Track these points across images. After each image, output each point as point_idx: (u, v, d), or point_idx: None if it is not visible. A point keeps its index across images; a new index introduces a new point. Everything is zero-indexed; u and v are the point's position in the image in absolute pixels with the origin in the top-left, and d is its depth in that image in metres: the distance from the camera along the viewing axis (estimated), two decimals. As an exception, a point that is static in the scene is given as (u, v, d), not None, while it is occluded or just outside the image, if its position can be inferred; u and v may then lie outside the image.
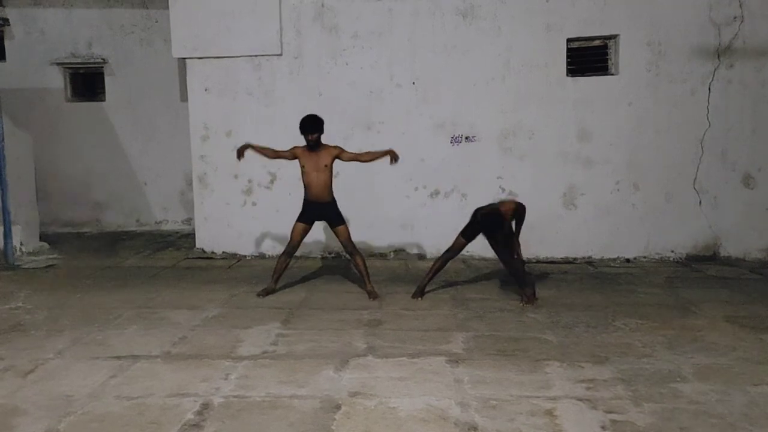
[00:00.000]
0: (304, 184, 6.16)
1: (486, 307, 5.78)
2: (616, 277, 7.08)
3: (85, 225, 10.79)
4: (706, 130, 7.81)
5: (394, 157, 5.96)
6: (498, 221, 5.93)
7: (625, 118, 7.90)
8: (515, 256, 6.01)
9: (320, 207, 6.14)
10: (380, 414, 3.53)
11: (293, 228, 6.22)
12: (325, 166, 6.04)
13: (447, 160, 8.12)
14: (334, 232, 6.24)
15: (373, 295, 6.11)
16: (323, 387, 3.92)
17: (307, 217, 6.22)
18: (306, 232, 6.25)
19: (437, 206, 8.15)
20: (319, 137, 6.05)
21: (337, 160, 6.10)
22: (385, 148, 6.21)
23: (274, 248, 8.34)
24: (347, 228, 6.17)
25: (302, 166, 6.11)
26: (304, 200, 6.22)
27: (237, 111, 8.31)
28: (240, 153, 6.14)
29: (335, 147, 6.12)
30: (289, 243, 6.26)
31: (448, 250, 6.17)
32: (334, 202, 6.18)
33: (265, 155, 6.28)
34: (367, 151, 6.30)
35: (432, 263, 6.31)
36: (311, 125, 6.00)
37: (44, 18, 10.51)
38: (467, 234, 6.10)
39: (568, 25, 7.88)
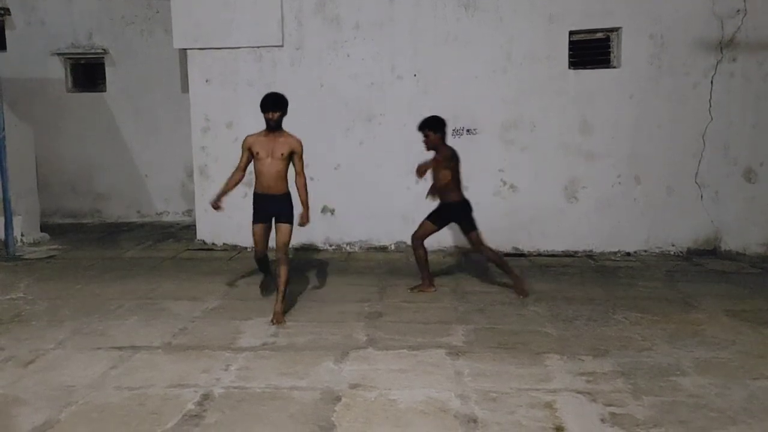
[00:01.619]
0: (255, 173, 5.40)
1: (486, 300, 5.79)
2: (617, 270, 7.08)
3: (85, 216, 10.80)
4: (708, 124, 7.79)
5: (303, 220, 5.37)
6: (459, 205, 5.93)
7: (626, 111, 7.88)
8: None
9: (272, 200, 5.31)
10: (380, 406, 3.54)
11: (252, 232, 5.49)
12: (282, 154, 5.25)
13: (448, 153, 8.09)
14: (276, 228, 5.35)
15: (277, 317, 5.14)
16: (323, 379, 3.93)
17: (260, 216, 5.40)
18: (266, 231, 5.42)
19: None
20: (281, 118, 5.31)
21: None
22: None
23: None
24: (291, 230, 5.33)
25: (255, 153, 5.32)
26: (254, 194, 5.46)
27: (238, 102, 8.29)
28: (216, 206, 5.52)
29: (298, 141, 5.32)
30: (255, 250, 5.59)
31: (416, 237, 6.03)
32: (288, 195, 5.35)
33: (238, 181, 5.53)
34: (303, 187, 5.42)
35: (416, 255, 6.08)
36: (273, 103, 5.28)
37: (45, 8, 10.48)
38: (434, 219, 6.00)
39: (571, 17, 7.84)
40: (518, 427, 3.28)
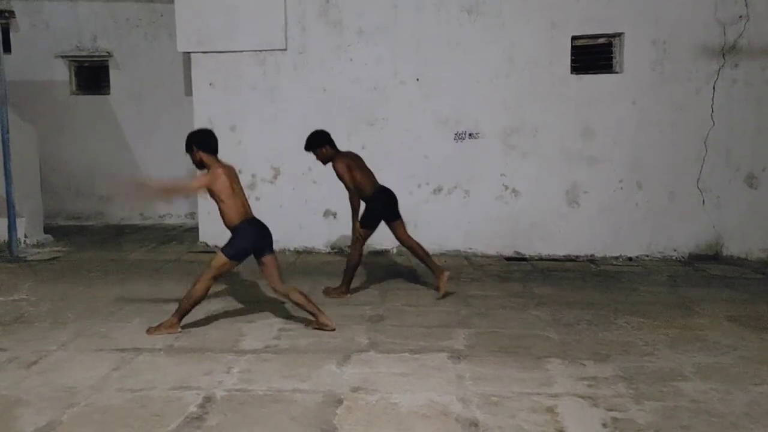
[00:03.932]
0: None
1: (488, 303, 5.79)
2: (619, 275, 7.08)
3: (89, 218, 10.84)
4: (710, 130, 7.80)
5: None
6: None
7: (628, 116, 7.89)
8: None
9: None
10: (382, 409, 3.54)
11: None
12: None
13: (450, 157, 8.12)
14: None
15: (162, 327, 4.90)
16: (325, 381, 3.93)
17: None
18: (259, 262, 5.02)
19: (440, 203, 8.15)
20: (192, 154, 4.90)
21: None
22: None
23: (277, 243, 8.26)
24: (220, 259, 4.85)
25: None
26: None
27: (241, 106, 8.32)
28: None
29: (204, 174, 4.87)
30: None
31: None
32: (232, 230, 4.92)
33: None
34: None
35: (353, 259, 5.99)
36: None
37: (49, 11, 10.54)
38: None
39: (573, 22, 7.86)
40: None
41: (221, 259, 4.85)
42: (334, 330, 4.93)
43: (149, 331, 4.90)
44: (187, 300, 4.90)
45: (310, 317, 5.04)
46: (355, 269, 6.02)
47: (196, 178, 4.90)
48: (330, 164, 5.94)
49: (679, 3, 7.71)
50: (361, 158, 6.07)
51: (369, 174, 5.99)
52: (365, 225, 5.90)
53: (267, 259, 4.96)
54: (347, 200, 8.23)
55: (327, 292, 6.08)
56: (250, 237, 4.87)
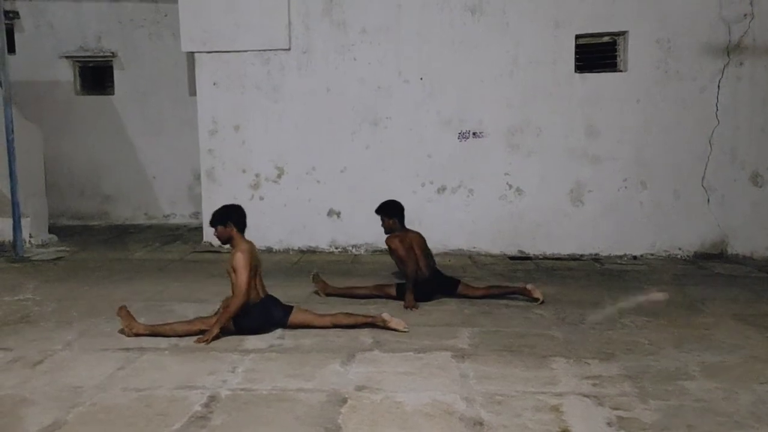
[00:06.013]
0: None
1: (492, 303, 5.77)
2: (623, 274, 7.07)
3: (93, 218, 10.87)
4: (715, 128, 7.77)
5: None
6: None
7: (633, 115, 7.87)
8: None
9: None
10: (386, 408, 3.54)
11: None
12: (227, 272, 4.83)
13: (454, 156, 8.12)
14: None
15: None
16: (330, 381, 3.93)
17: None
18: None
19: (444, 202, 8.15)
20: (222, 233, 4.89)
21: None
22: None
23: (281, 243, 8.37)
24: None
25: None
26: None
27: (245, 105, 8.33)
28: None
29: (235, 254, 4.74)
30: None
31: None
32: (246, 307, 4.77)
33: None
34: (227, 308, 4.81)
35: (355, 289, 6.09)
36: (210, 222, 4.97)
37: (53, 11, 10.57)
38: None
39: (577, 21, 7.85)
40: (524, 431, 3.28)
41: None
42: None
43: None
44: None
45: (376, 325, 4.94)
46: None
47: (236, 273, 4.71)
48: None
49: (684, 1, 7.69)
50: (422, 240, 6.03)
51: (422, 258, 5.91)
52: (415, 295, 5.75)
53: (292, 321, 4.95)
54: (350, 199, 8.32)
55: (316, 280, 6.09)
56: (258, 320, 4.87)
